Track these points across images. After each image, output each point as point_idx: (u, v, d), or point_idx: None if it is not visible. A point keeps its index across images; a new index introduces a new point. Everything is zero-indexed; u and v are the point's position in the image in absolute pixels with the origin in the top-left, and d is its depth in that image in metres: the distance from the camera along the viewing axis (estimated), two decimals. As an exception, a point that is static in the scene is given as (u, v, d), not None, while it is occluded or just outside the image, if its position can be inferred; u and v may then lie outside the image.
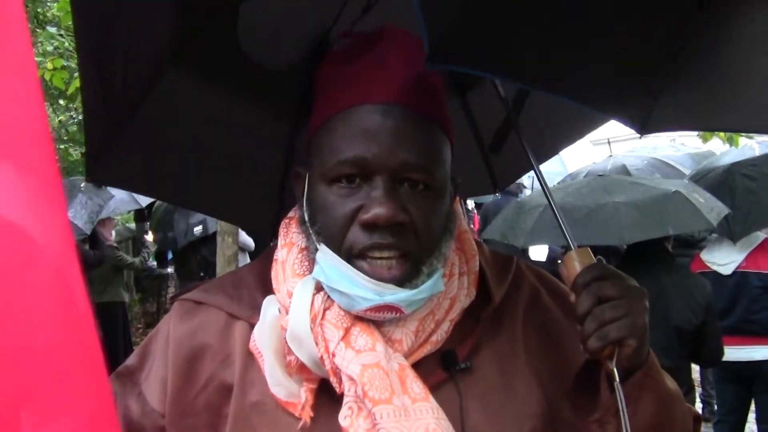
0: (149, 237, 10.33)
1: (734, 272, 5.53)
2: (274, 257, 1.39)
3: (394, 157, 1.22)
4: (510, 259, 1.48)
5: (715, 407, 6.39)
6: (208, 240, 8.63)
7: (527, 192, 9.81)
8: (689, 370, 4.53)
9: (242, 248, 7.63)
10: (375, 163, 1.22)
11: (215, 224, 8.32)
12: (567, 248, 1.33)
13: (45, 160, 0.91)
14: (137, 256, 9.62)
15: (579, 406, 1.31)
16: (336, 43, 1.41)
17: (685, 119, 1.59)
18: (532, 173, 1.54)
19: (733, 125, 1.93)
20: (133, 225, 12.03)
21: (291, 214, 1.43)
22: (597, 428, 1.27)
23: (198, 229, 8.79)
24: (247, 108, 1.68)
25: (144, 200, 10.57)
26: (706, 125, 1.87)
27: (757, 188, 5.73)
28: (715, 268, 5.60)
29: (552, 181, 8.32)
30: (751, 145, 6.46)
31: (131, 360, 1.42)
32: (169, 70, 1.52)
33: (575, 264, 1.26)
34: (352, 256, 1.23)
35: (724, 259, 5.61)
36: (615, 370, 1.18)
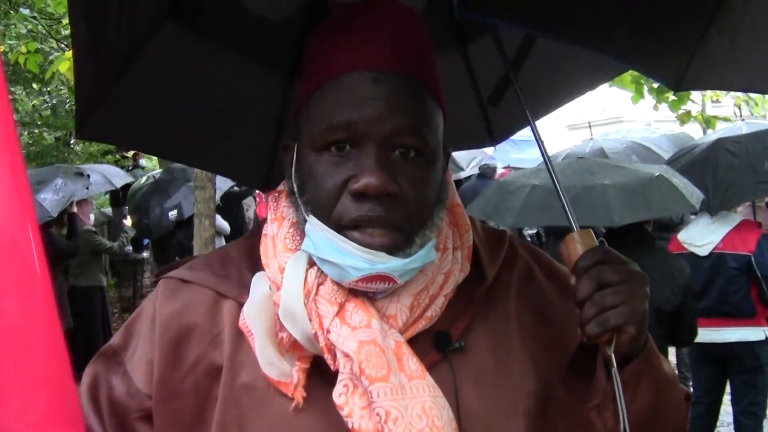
0: (128, 221, 10.25)
1: (711, 253, 5.59)
2: (264, 232, 1.35)
3: (386, 122, 1.19)
4: (503, 234, 1.46)
5: (691, 389, 6.45)
6: (183, 224, 8.61)
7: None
8: (667, 350, 4.58)
9: (218, 232, 7.59)
10: (366, 128, 1.19)
11: (190, 208, 8.31)
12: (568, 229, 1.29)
13: (3, 143, 0.91)
14: (114, 240, 9.55)
15: (574, 390, 1.29)
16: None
17: (720, 78, 1.59)
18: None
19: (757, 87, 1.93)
20: (108, 209, 11.98)
21: (280, 187, 1.39)
22: (595, 415, 1.24)
23: (173, 214, 8.78)
24: (241, 63, 1.66)
25: (119, 181, 10.52)
26: (744, 85, 1.86)
27: (739, 164, 5.81)
28: (692, 249, 5.65)
29: (533, 165, 8.36)
30: (740, 126, 6.53)
31: (115, 339, 1.38)
32: (164, 25, 1.49)
33: (577, 246, 1.23)
34: (341, 226, 1.19)
35: (701, 240, 5.67)
36: (613, 356, 1.16)
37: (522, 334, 1.33)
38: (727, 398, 5.91)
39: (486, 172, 10.52)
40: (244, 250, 1.38)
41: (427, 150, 1.23)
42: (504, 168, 11.09)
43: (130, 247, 10.97)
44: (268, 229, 1.34)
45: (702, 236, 5.68)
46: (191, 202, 8.30)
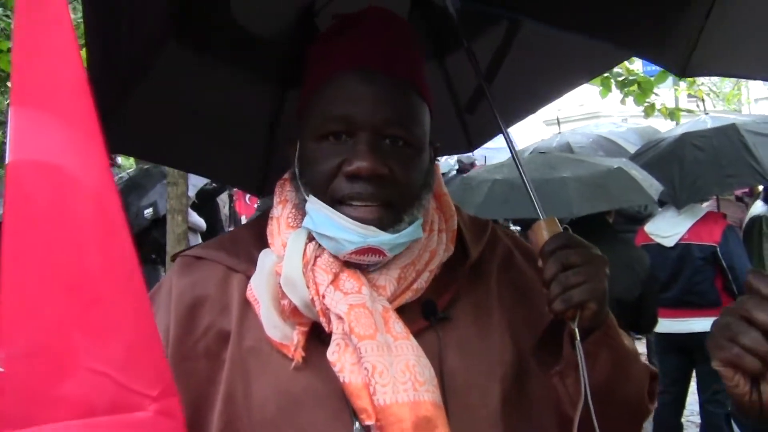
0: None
1: (677, 244, 5.69)
2: (270, 215, 1.51)
3: (377, 115, 1.36)
4: (487, 222, 1.62)
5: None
6: (159, 222, 8.58)
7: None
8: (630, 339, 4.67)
9: (193, 228, 7.61)
10: (359, 120, 1.35)
11: (165, 207, 8.30)
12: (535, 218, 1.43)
13: (84, 111, 1.05)
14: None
15: (543, 360, 1.43)
16: (321, 13, 1.57)
17: (724, 64, 1.66)
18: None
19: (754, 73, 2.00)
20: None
21: (285, 176, 1.54)
22: (558, 380, 1.39)
23: (148, 212, 8.73)
24: (239, 78, 1.80)
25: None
26: (746, 72, 1.93)
27: (705, 159, 5.94)
28: (658, 240, 5.74)
29: (504, 158, 8.41)
30: (705, 119, 6.65)
31: None
32: (169, 44, 1.61)
33: (543, 232, 1.36)
34: (335, 201, 1.35)
35: (667, 231, 5.76)
36: (576, 330, 1.30)
37: (501, 309, 1.49)
38: (693, 387, 6.01)
39: (464, 168, 10.60)
40: (253, 231, 1.54)
41: (413, 140, 1.40)
42: (479, 163, 11.12)
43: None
44: (274, 212, 1.51)
45: (668, 228, 5.78)
46: (166, 199, 8.32)
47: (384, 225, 1.35)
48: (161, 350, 1.11)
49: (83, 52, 1.28)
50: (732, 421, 1.19)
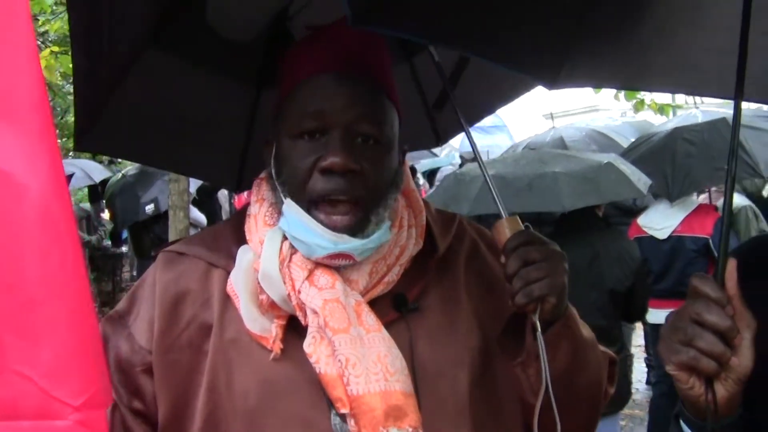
0: (105, 215, 10.29)
1: (670, 236, 5.79)
2: (248, 213, 1.58)
3: (349, 113, 1.43)
4: (453, 215, 1.69)
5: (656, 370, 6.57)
6: (161, 218, 8.67)
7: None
8: (620, 327, 4.76)
9: (194, 224, 7.68)
10: (332, 118, 1.43)
11: (167, 203, 8.38)
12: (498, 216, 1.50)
13: (41, 122, 1.09)
14: (93, 234, 9.60)
15: (506, 351, 1.50)
16: (294, 18, 1.64)
17: (590, 75, 1.76)
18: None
19: (629, 83, 2.10)
20: (86, 204, 12.00)
21: (262, 175, 1.60)
22: (520, 370, 1.47)
23: (150, 208, 8.82)
24: (215, 81, 1.89)
25: (98, 176, 10.53)
26: (612, 81, 2.03)
27: (696, 152, 6.03)
28: (651, 232, 5.84)
29: (499, 153, 8.48)
30: (695, 113, 6.74)
31: (120, 306, 1.58)
32: (148, 50, 1.70)
33: (505, 230, 1.43)
34: (311, 203, 1.42)
35: (660, 224, 5.85)
36: (537, 322, 1.37)
37: (469, 299, 1.56)
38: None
39: (466, 162, 10.65)
40: (232, 228, 1.60)
41: (383, 138, 1.47)
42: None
43: (109, 242, 11.03)
44: (251, 210, 1.57)
45: (661, 220, 5.87)
46: (168, 195, 8.39)
47: (354, 232, 1.41)
48: (97, 359, 1.14)
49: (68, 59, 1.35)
50: (680, 422, 1.24)
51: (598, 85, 2.31)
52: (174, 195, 5.55)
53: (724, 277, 1.18)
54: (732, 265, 1.18)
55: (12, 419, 1.05)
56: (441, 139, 2.21)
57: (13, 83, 1.10)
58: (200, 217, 8.84)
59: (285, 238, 1.46)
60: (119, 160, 13.78)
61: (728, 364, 1.14)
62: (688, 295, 1.19)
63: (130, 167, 9.94)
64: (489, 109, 2.32)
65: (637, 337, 8.42)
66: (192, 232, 6.24)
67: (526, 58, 1.55)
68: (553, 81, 1.60)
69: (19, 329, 1.07)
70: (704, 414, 1.17)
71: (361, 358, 1.36)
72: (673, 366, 1.16)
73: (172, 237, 5.51)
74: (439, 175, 10.68)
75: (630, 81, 1.99)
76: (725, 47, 1.36)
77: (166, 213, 8.42)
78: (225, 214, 10.41)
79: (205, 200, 9.78)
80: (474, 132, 1.75)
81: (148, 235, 9.11)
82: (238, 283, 1.47)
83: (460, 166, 10.58)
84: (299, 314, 1.42)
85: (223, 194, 10.51)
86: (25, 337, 1.07)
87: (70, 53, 1.65)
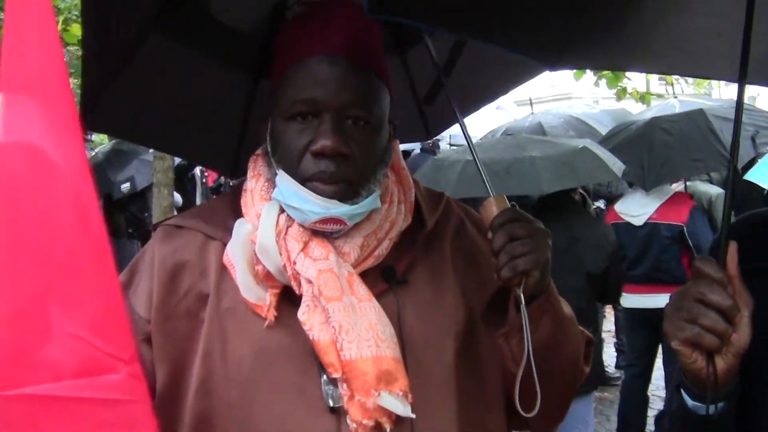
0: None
1: (645, 223, 5.84)
2: (244, 188, 1.62)
3: (340, 97, 1.46)
4: (441, 194, 1.74)
5: (628, 355, 6.68)
6: (137, 197, 8.63)
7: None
8: (596, 309, 4.85)
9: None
10: (323, 102, 1.46)
11: (143, 181, 8.34)
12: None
13: (62, 96, 1.12)
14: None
15: (490, 323, 1.57)
16: (292, 7, 1.64)
17: (590, 59, 1.84)
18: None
19: (629, 65, 2.16)
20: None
21: (258, 151, 1.64)
22: (503, 341, 1.53)
23: (125, 186, 8.75)
24: (215, 65, 1.90)
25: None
26: (606, 63, 2.08)
27: (673, 143, 6.07)
28: (627, 219, 5.89)
29: (477, 138, 8.50)
30: (673, 103, 6.82)
31: (121, 278, 1.59)
32: (152, 33, 1.71)
33: (493, 208, 1.48)
34: (304, 179, 1.46)
35: (636, 211, 5.91)
36: (522, 295, 1.42)
37: (455, 273, 1.61)
38: (659, 361, 6.21)
39: (428, 148, 10.64)
40: (229, 202, 1.65)
41: (373, 120, 1.51)
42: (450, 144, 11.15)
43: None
44: (248, 185, 1.62)
45: (637, 207, 5.92)
46: (143, 174, 8.33)
47: (344, 199, 1.46)
48: (127, 319, 1.18)
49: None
50: (681, 391, 1.32)
51: (597, 66, 2.36)
52: (159, 172, 5.50)
53: (725, 259, 1.25)
54: (733, 247, 1.26)
55: (69, 378, 1.10)
56: (430, 131, 2.25)
57: (39, 63, 1.13)
58: (176, 196, 8.78)
59: (281, 211, 1.51)
60: (92, 139, 13.70)
61: (729, 339, 1.22)
62: (691, 276, 1.26)
63: (101, 146, 9.85)
64: (480, 102, 2.33)
65: (607, 323, 8.54)
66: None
67: (528, 41, 1.57)
68: (556, 63, 1.63)
69: (64, 295, 1.11)
70: (704, 384, 1.24)
71: (353, 325, 1.41)
72: (678, 342, 1.23)
73: (156, 215, 5.49)
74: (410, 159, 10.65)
75: (630, 63, 2.02)
76: (725, 31, 1.40)
77: (142, 192, 8.42)
78: (201, 192, 10.39)
79: (180, 180, 9.72)
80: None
81: (123, 214, 9.04)
82: (235, 253, 1.51)
83: (421, 150, 10.60)
84: (294, 284, 1.47)
85: (199, 172, 10.49)
86: (70, 302, 1.11)
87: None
